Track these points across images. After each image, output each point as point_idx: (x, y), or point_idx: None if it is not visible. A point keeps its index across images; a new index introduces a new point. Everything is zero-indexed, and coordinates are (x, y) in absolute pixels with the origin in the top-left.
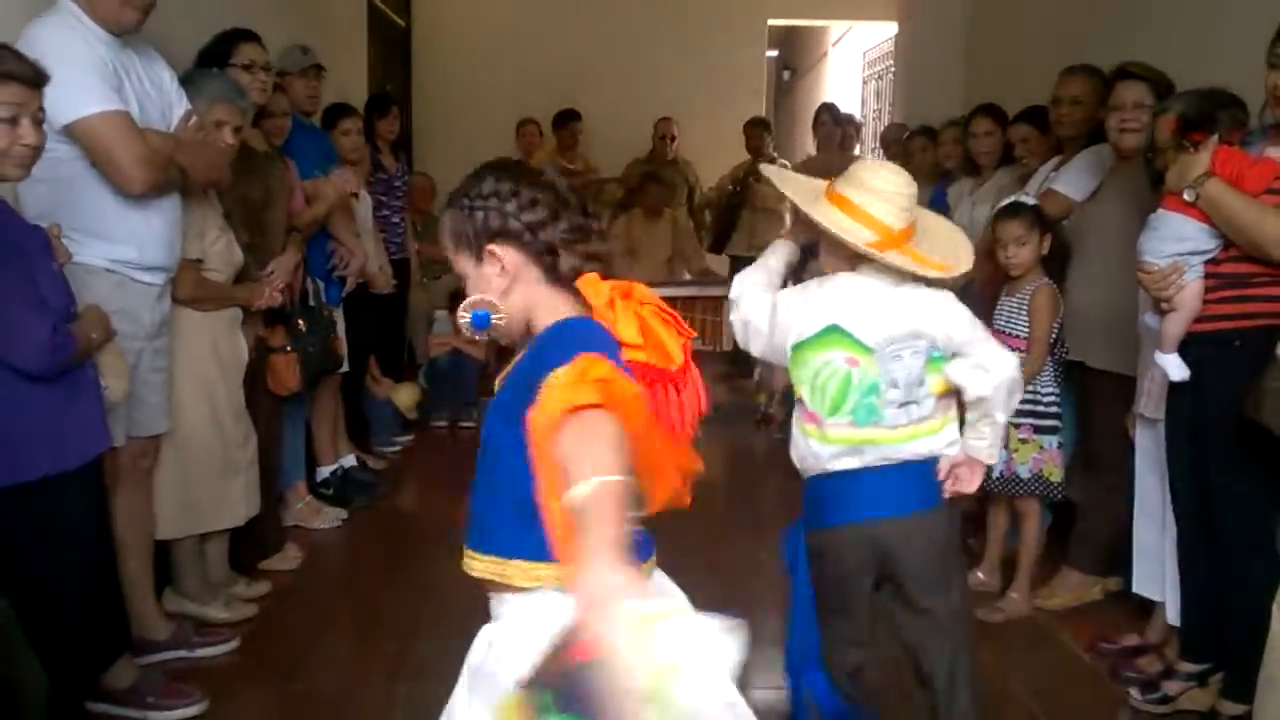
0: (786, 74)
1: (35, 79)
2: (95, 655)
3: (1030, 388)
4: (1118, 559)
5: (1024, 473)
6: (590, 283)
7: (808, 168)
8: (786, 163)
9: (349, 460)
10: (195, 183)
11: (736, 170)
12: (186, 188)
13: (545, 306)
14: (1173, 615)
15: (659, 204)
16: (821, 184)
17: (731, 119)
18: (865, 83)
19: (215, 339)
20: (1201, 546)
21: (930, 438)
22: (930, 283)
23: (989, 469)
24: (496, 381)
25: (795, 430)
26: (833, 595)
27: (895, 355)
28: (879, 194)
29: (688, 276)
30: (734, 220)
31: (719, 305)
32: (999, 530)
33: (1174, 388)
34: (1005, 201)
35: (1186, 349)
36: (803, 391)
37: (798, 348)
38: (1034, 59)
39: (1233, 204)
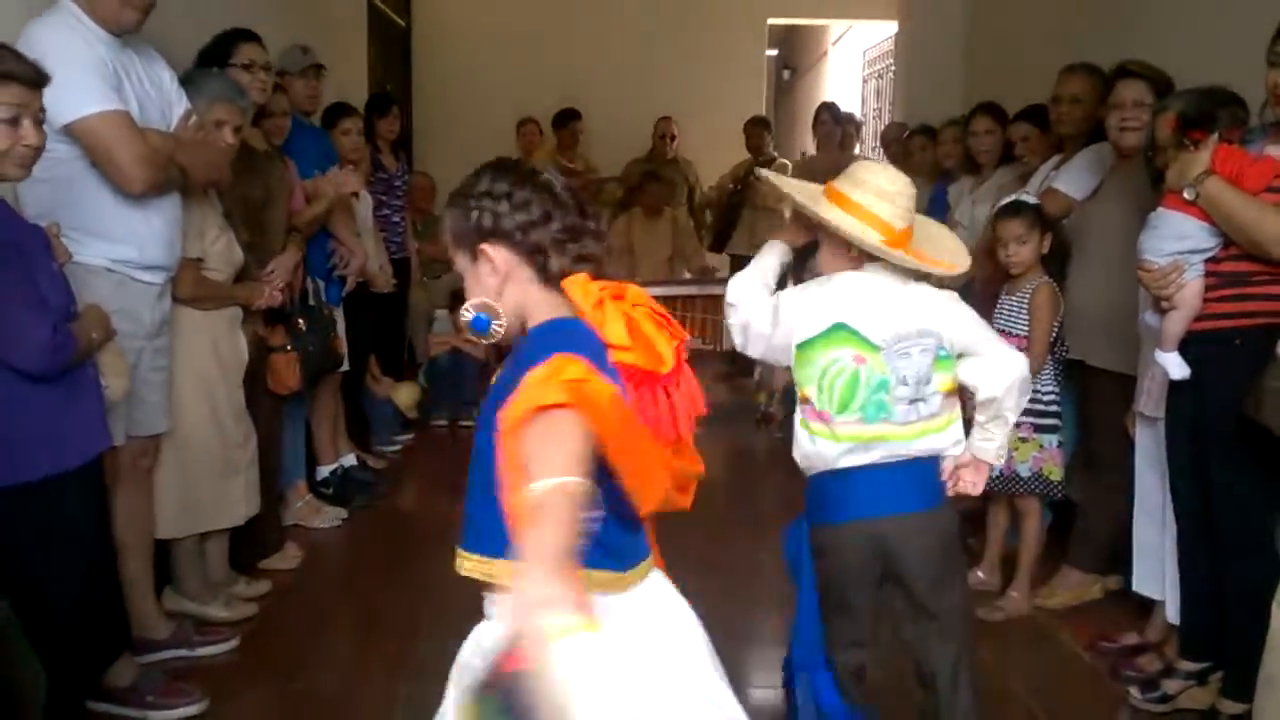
0: (786, 73)
1: (36, 79)
2: (95, 654)
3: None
4: (1118, 558)
5: (1024, 471)
6: (578, 284)
7: (808, 166)
8: (786, 163)
9: (349, 459)
10: (195, 182)
11: (737, 169)
12: (186, 187)
13: (537, 307)
14: (1172, 614)
15: (659, 203)
16: (817, 187)
17: (731, 118)
18: (865, 82)
19: (215, 338)
20: (1201, 545)
21: (937, 435)
22: (934, 282)
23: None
24: (492, 381)
25: (799, 430)
26: (835, 594)
27: (904, 353)
28: (882, 194)
29: (688, 275)
30: (734, 219)
31: (719, 304)
32: (999, 529)
33: (1174, 386)
34: (1005, 200)
35: (1187, 347)
36: (809, 391)
37: (802, 347)
38: (1034, 58)
39: (1233, 202)
